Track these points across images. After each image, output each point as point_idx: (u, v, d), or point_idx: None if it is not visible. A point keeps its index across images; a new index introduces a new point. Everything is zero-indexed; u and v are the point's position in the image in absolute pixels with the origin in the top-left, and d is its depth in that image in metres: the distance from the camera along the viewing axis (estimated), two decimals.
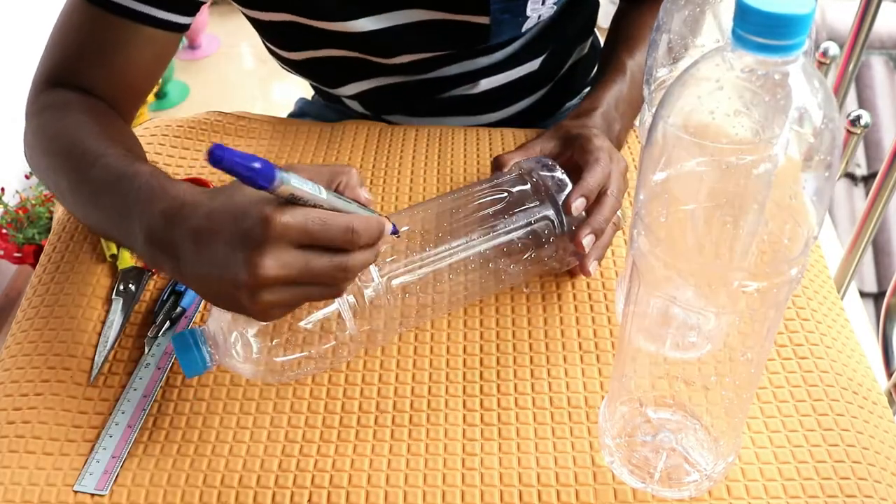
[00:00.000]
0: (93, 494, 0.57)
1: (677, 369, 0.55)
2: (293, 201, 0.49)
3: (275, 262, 0.49)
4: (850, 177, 2.02)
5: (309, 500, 0.56)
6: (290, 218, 0.49)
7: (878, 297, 1.89)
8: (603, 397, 0.62)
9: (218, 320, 0.57)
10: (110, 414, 0.61)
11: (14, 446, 0.59)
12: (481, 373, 0.64)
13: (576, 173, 0.67)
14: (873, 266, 1.94)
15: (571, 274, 0.71)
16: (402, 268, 0.62)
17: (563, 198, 0.65)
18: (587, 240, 0.65)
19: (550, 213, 0.65)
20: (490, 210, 0.65)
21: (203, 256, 0.51)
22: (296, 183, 0.48)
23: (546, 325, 0.68)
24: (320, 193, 0.50)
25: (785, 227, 0.45)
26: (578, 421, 0.61)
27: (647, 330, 0.52)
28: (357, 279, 0.59)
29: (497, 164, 0.71)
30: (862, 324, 1.46)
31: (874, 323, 1.08)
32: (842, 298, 0.99)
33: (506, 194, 0.66)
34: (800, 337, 0.66)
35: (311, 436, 0.60)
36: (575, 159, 0.69)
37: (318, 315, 0.58)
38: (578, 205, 0.65)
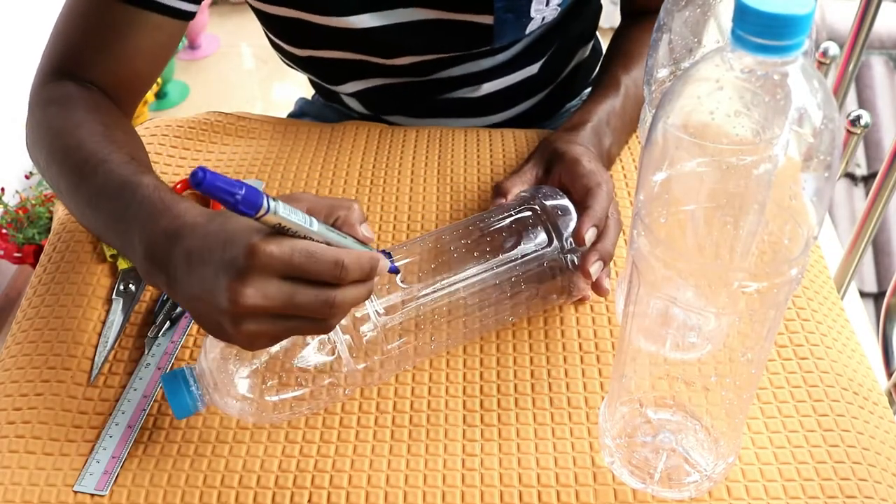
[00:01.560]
0: (93, 495, 0.57)
1: (677, 370, 0.55)
2: (283, 231, 0.48)
3: (256, 292, 0.48)
4: (850, 177, 2.02)
5: (309, 501, 0.56)
6: (275, 248, 0.48)
7: (878, 297, 1.89)
8: (603, 398, 0.62)
9: (208, 359, 0.56)
10: (110, 414, 0.61)
11: (14, 446, 0.59)
12: (481, 373, 0.64)
13: (563, 192, 0.66)
14: (873, 266, 1.94)
15: None
16: (401, 305, 0.60)
17: (567, 225, 0.64)
18: (595, 267, 0.63)
19: (555, 243, 0.63)
20: (492, 245, 0.63)
21: (193, 278, 0.51)
22: (283, 213, 0.47)
23: (546, 325, 0.68)
24: (311, 225, 0.49)
25: (785, 227, 0.45)
26: (578, 421, 0.61)
27: (648, 330, 0.52)
28: (353, 316, 0.58)
29: (498, 192, 0.69)
30: (862, 324, 1.45)
31: (874, 323, 1.08)
32: (842, 298, 0.98)
33: (508, 228, 0.64)
34: (800, 337, 0.66)
35: (311, 436, 0.60)
36: (563, 181, 0.68)
37: (313, 355, 0.57)
38: (591, 235, 0.63)
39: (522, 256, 0.63)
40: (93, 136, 0.67)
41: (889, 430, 0.62)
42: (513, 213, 0.65)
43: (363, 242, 0.53)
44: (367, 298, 0.52)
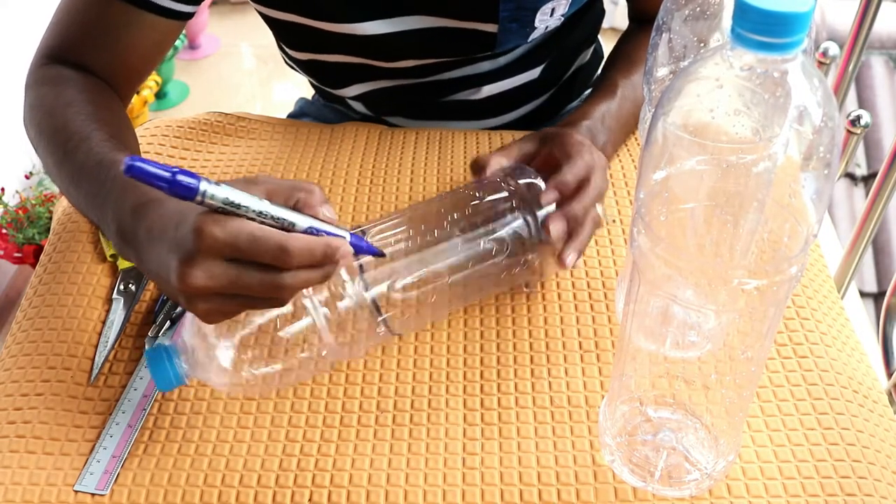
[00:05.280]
0: (93, 494, 0.57)
1: (677, 368, 0.55)
2: (234, 213, 0.48)
3: (202, 274, 0.49)
4: (850, 177, 2.02)
5: (310, 500, 0.56)
6: (219, 231, 0.48)
7: (878, 297, 1.89)
8: (603, 396, 0.62)
9: (190, 332, 0.56)
10: (111, 414, 0.61)
11: (15, 446, 0.59)
12: (482, 372, 0.64)
13: (555, 170, 0.66)
14: (873, 266, 1.94)
15: (569, 273, 0.71)
16: (378, 278, 0.60)
17: (538, 208, 0.64)
18: (556, 226, 0.63)
19: (528, 219, 0.64)
20: (467, 219, 0.64)
21: (153, 255, 0.52)
22: (222, 195, 0.47)
23: (546, 324, 0.68)
24: (262, 206, 0.49)
25: (784, 225, 0.45)
26: (579, 420, 0.61)
27: (648, 329, 0.52)
28: (331, 288, 0.58)
29: (476, 165, 0.69)
30: (862, 324, 1.45)
31: (874, 323, 1.08)
32: (842, 298, 0.99)
33: (483, 202, 0.65)
34: (800, 336, 0.66)
35: (311, 435, 0.60)
36: (554, 155, 0.68)
37: (293, 327, 0.57)
38: (550, 198, 0.63)
39: (496, 230, 0.63)
40: (79, 115, 0.68)
41: (889, 429, 0.62)
42: (488, 187, 0.66)
43: (327, 222, 0.52)
44: (323, 281, 0.52)
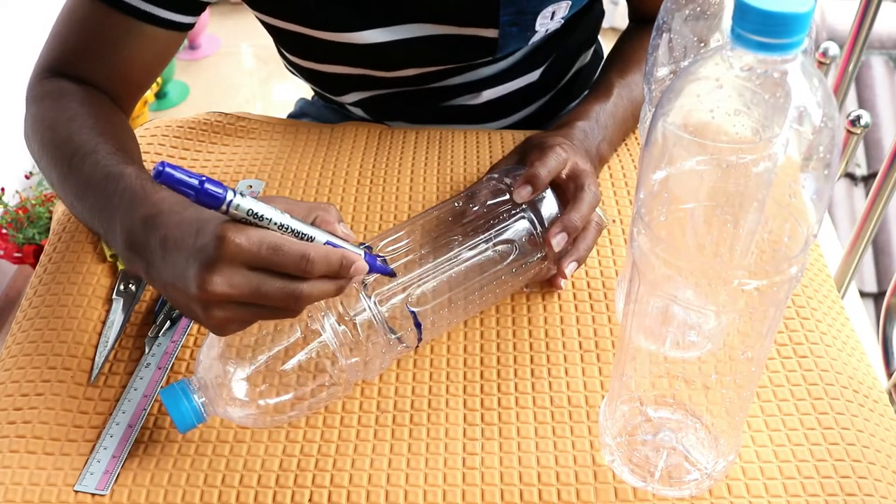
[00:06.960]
0: (93, 494, 0.57)
1: (677, 368, 0.55)
2: (255, 223, 0.50)
3: (223, 281, 0.49)
4: (850, 177, 2.02)
5: (310, 500, 0.56)
6: (244, 239, 0.49)
7: (878, 297, 1.89)
8: (603, 396, 0.62)
9: (204, 368, 0.56)
10: (111, 414, 0.61)
11: (15, 446, 0.59)
12: (482, 372, 0.64)
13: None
14: (873, 266, 1.94)
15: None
16: (389, 293, 0.60)
17: (540, 205, 0.65)
18: (557, 238, 0.63)
19: (530, 217, 0.64)
20: (472, 226, 0.64)
21: (168, 265, 0.52)
22: (246, 205, 0.49)
23: (546, 324, 0.68)
24: (283, 219, 0.50)
25: (784, 225, 0.45)
26: (579, 420, 0.61)
27: (648, 329, 0.52)
28: (345, 307, 0.58)
29: None
30: (862, 324, 1.45)
31: (874, 323, 1.08)
32: (842, 298, 0.98)
33: (484, 206, 0.65)
34: (800, 336, 0.66)
35: (311, 435, 0.60)
36: (532, 160, 0.68)
37: (307, 351, 0.57)
38: (524, 193, 0.63)
39: (503, 233, 0.64)
40: (83, 128, 0.68)
41: (889, 428, 0.62)
42: (486, 191, 0.66)
43: (343, 238, 0.54)
44: (336, 294, 0.53)
